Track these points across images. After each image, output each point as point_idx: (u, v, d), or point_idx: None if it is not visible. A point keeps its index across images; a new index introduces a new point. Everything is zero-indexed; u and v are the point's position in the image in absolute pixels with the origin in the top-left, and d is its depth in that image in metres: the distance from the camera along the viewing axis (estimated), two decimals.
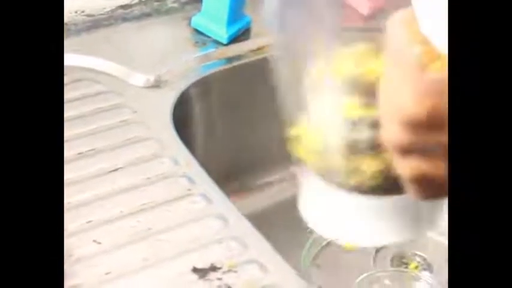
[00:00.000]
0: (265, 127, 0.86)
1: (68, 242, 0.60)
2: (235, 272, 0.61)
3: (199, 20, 0.91)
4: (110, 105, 0.79)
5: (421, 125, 0.38)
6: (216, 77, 0.87)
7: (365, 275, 0.82)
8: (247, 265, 0.62)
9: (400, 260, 0.84)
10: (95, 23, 0.90)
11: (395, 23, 0.40)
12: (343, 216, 0.56)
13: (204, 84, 0.85)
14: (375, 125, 0.48)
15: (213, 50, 0.89)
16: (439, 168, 0.40)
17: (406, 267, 0.83)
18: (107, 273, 0.60)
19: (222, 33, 0.89)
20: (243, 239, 0.64)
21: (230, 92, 0.89)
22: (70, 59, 0.82)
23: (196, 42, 0.90)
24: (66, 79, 0.79)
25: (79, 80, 0.81)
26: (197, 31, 0.91)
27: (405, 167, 0.42)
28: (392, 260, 0.84)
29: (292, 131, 0.54)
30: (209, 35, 0.90)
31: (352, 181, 0.52)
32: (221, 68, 0.88)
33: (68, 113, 0.75)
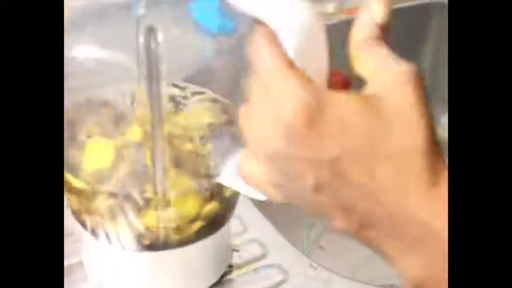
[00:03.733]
0: None
1: (70, 222, 0.59)
2: (237, 251, 0.61)
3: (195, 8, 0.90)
4: None
5: (298, 134, 0.36)
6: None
7: (368, 256, 0.81)
8: (249, 245, 0.62)
9: None
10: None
11: (259, 40, 0.39)
12: (126, 275, 0.56)
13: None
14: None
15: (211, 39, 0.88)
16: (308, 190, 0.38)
17: None
18: None
19: (213, 22, 0.88)
20: (244, 219, 0.64)
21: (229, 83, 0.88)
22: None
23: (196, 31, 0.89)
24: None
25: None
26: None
27: (267, 175, 0.40)
28: None
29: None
30: (203, 24, 0.89)
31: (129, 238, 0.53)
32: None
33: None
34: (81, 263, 0.59)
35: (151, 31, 0.43)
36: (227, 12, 0.46)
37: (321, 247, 0.83)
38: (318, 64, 0.39)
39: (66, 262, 0.59)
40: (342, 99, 0.37)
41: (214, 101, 0.57)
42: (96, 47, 0.52)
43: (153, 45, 0.44)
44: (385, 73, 0.38)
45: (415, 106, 0.37)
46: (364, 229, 0.38)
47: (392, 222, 0.37)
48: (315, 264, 0.61)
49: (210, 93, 0.57)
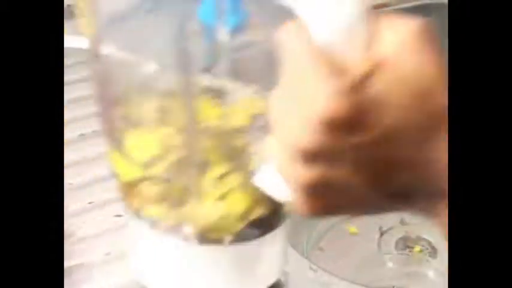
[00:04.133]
0: None
1: (69, 223, 0.60)
2: None
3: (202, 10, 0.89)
4: None
5: (338, 125, 0.35)
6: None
7: (369, 258, 0.82)
8: None
9: (405, 244, 0.84)
10: None
11: (288, 33, 0.37)
12: (174, 267, 0.54)
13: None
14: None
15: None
16: (344, 174, 0.37)
17: (411, 251, 0.83)
18: (106, 254, 0.60)
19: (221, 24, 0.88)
20: None
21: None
22: (73, 40, 0.82)
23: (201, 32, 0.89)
24: (69, 61, 0.79)
25: (82, 62, 0.81)
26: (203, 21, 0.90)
27: (306, 174, 0.38)
28: (396, 243, 0.84)
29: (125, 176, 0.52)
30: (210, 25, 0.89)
31: (183, 228, 0.51)
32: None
33: (69, 95, 0.75)
34: (81, 265, 0.59)
35: (181, 27, 0.44)
36: (240, 8, 0.45)
37: (320, 249, 0.83)
38: (358, 51, 0.37)
39: (65, 264, 0.59)
40: (372, 80, 0.35)
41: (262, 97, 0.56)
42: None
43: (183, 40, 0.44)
44: (394, 34, 0.37)
45: (434, 64, 0.36)
46: (409, 198, 0.38)
47: (432, 179, 0.37)
48: (314, 267, 0.61)
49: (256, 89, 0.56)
